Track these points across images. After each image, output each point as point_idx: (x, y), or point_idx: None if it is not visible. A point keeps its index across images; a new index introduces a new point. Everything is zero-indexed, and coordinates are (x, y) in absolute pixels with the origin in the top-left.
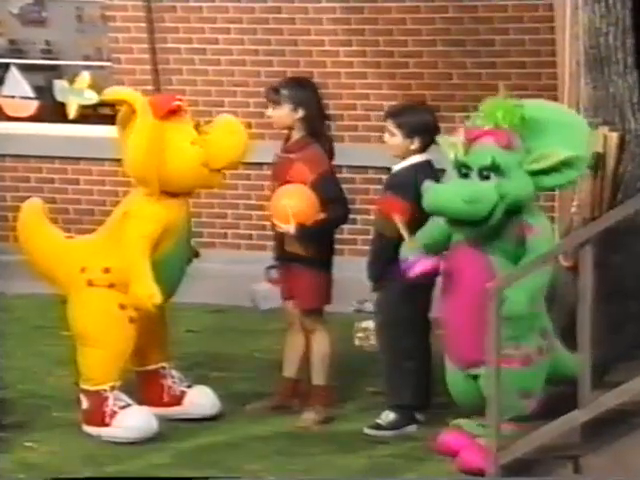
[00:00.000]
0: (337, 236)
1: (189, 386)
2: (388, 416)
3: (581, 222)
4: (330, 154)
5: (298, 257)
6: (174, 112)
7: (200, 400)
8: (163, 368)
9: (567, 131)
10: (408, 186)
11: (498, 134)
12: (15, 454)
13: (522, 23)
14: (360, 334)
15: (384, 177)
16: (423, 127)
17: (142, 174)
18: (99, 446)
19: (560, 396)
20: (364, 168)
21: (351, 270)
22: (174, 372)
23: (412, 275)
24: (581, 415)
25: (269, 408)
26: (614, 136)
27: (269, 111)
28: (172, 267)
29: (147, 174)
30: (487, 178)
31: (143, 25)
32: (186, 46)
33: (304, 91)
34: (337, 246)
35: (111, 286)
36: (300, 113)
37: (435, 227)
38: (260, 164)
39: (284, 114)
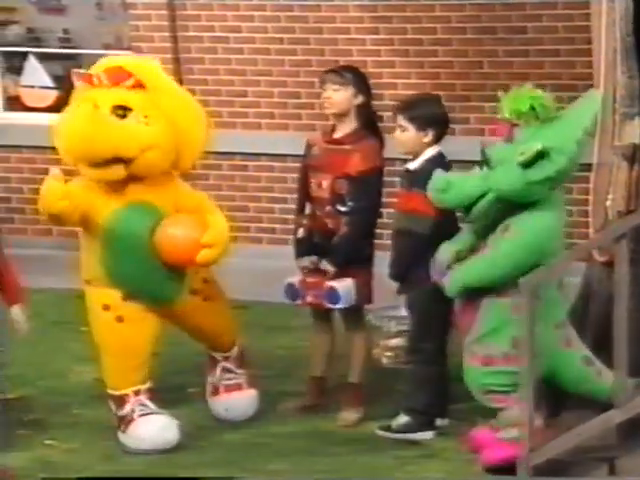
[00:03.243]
0: None
1: (238, 385)
2: (400, 419)
3: (616, 215)
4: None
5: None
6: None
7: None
8: (214, 358)
9: (566, 121)
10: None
11: (499, 127)
12: (35, 452)
13: (556, 9)
14: (388, 353)
15: None
16: (435, 119)
17: None
18: (120, 444)
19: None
20: (391, 160)
21: (377, 265)
22: (228, 364)
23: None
24: (617, 415)
25: (302, 408)
26: None
27: (328, 92)
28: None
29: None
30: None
31: (164, 13)
32: (208, 34)
33: (363, 78)
34: None
35: (87, 282)
36: (359, 99)
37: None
38: (284, 156)
39: (346, 97)
